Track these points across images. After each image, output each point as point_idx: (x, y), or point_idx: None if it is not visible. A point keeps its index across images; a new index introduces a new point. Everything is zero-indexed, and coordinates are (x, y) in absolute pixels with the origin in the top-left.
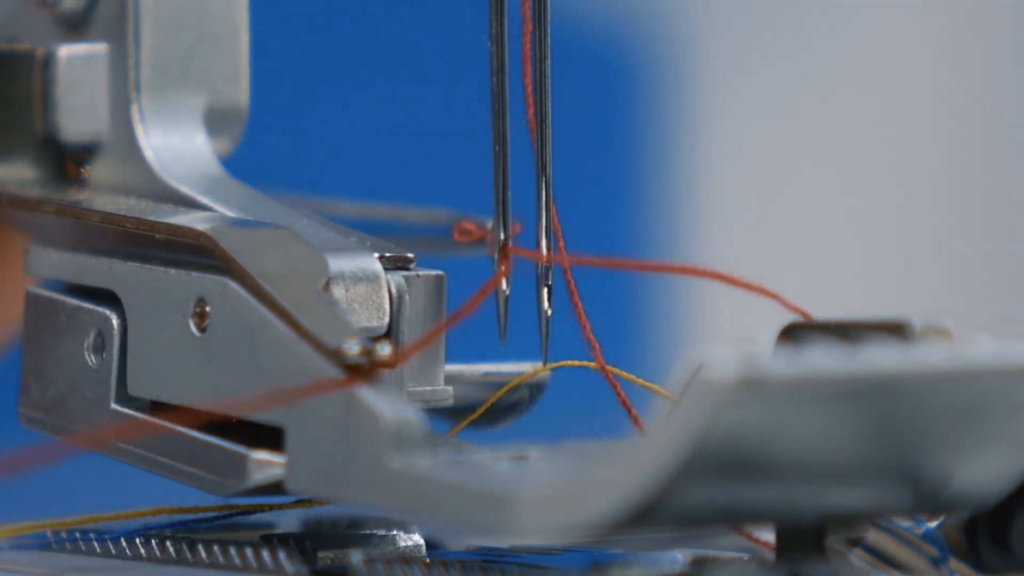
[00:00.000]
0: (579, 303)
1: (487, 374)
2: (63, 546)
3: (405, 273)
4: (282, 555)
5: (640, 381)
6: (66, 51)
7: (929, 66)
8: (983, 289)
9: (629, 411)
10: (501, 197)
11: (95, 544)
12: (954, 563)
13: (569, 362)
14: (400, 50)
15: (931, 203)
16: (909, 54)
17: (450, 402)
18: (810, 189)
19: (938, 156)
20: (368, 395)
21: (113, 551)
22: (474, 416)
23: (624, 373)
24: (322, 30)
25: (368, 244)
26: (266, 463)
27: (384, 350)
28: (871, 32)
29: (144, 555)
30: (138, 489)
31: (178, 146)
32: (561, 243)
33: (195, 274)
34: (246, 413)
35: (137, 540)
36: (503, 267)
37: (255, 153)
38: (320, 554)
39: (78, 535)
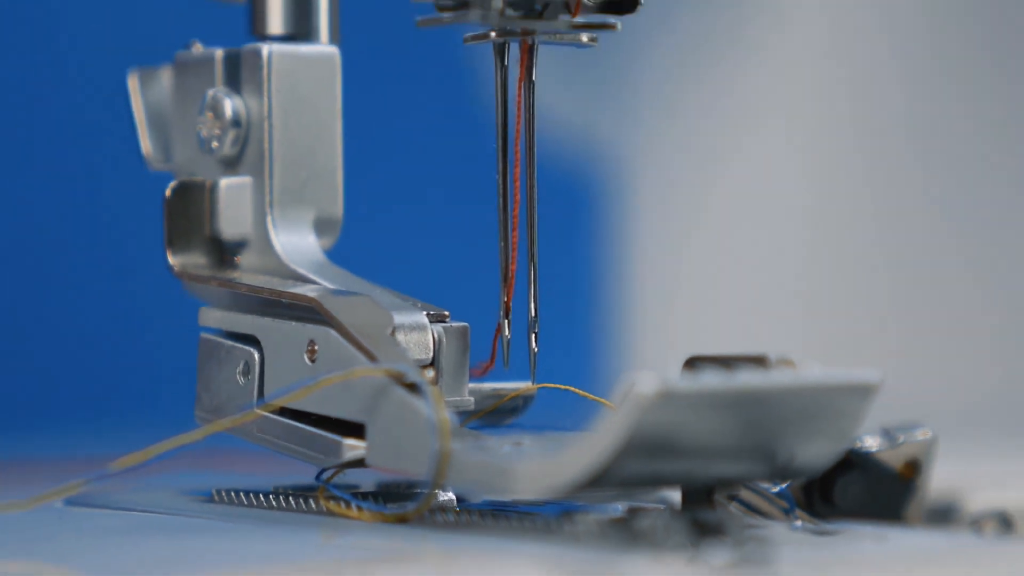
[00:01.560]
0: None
1: (495, 390)
2: (222, 499)
3: (443, 325)
4: (365, 505)
5: (592, 396)
6: (225, 182)
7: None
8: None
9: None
10: (504, 273)
11: (243, 497)
12: (798, 512)
13: (550, 384)
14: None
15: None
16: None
17: (471, 407)
18: (726, 271)
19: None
20: (417, 402)
21: (255, 503)
22: (481, 414)
23: (580, 391)
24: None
25: (419, 305)
26: (353, 447)
27: (429, 374)
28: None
29: (275, 506)
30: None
31: (297, 243)
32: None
33: (308, 325)
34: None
35: (271, 496)
36: (506, 320)
37: None
38: (388, 505)
39: (232, 492)
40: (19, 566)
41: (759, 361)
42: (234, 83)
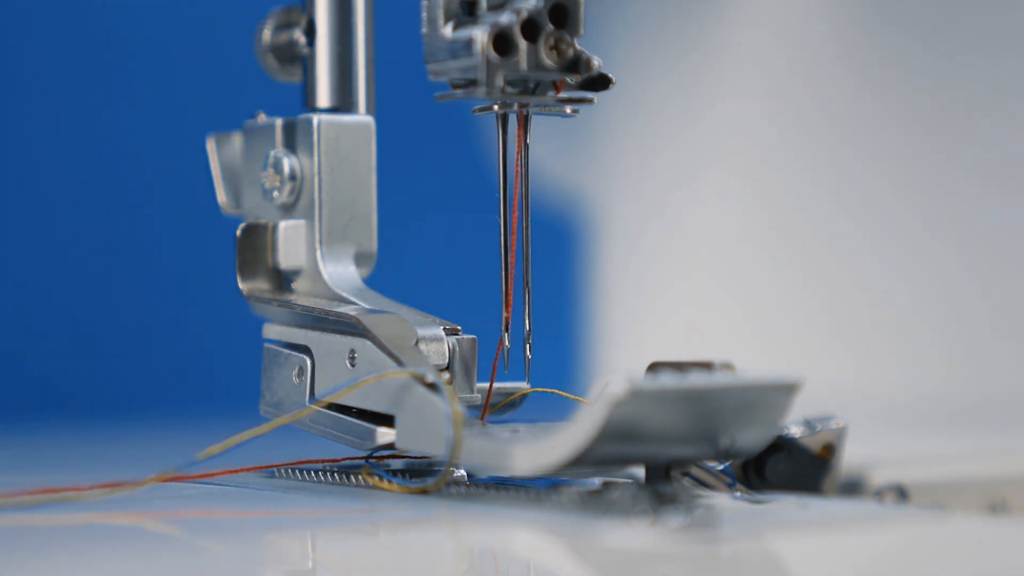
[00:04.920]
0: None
1: (498, 388)
2: (284, 475)
3: (456, 337)
4: (395, 480)
5: (574, 396)
6: (283, 224)
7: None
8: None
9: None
10: (505, 296)
11: (299, 474)
12: (738, 486)
13: (541, 388)
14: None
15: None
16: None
17: (478, 402)
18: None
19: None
20: (436, 398)
21: (308, 478)
22: (495, 409)
23: (564, 392)
24: None
25: (437, 321)
26: (385, 434)
27: (445, 376)
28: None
29: (324, 480)
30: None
31: (340, 272)
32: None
33: (349, 337)
34: (372, 404)
35: (320, 472)
36: (506, 333)
37: None
38: (412, 479)
39: (290, 470)
40: (132, 519)
41: (706, 366)
42: (291, 145)
